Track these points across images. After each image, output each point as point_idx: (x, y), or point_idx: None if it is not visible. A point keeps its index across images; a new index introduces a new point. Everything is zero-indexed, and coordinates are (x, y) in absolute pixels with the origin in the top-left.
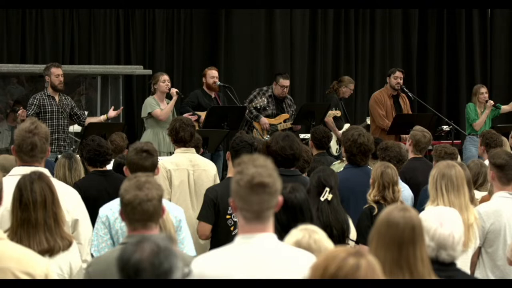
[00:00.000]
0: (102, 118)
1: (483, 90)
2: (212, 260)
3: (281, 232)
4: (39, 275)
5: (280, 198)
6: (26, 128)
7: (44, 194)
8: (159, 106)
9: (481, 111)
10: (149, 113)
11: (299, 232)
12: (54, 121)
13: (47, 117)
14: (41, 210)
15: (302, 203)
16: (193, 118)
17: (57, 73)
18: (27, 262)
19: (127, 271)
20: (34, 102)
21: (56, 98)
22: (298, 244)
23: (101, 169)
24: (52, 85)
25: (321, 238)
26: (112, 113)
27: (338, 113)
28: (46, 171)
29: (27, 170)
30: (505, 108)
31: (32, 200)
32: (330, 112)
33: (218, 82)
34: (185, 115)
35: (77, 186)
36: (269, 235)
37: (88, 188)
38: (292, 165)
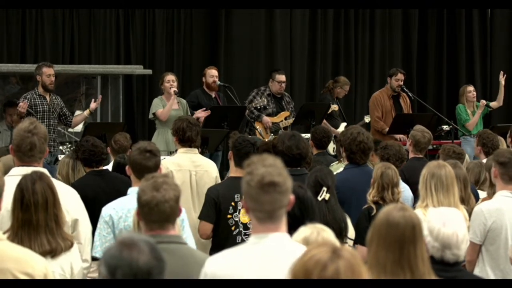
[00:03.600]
0: (86, 113)
1: (470, 88)
2: (225, 260)
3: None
4: (38, 275)
5: (291, 197)
6: (25, 128)
7: (45, 195)
8: (164, 106)
9: (471, 110)
10: (154, 114)
11: (307, 229)
12: (45, 121)
13: (39, 116)
14: (43, 212)
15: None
16: (206, 114)
17: (48, 73)
18: (26, 262)
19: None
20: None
21: (47, 98)
22: (306, 241)
23: (97, 169)
24: (43, 84)
25: (329, 236)
26: (93, 105)
27: (335, 107)
28: (46, 171)
29: (26, 170)
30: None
31: (33, 201)
32: None
33: (218, 82)
34: (199, 111)
35: (73, 186)
36: (282, 235)
37: (84, 187)
38: (299, 165)
